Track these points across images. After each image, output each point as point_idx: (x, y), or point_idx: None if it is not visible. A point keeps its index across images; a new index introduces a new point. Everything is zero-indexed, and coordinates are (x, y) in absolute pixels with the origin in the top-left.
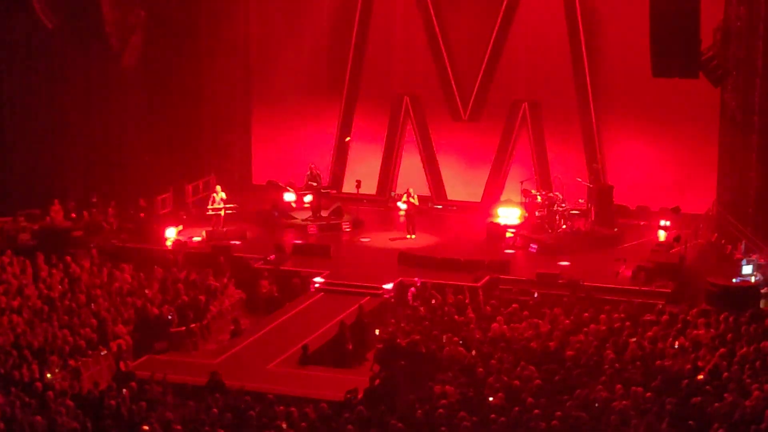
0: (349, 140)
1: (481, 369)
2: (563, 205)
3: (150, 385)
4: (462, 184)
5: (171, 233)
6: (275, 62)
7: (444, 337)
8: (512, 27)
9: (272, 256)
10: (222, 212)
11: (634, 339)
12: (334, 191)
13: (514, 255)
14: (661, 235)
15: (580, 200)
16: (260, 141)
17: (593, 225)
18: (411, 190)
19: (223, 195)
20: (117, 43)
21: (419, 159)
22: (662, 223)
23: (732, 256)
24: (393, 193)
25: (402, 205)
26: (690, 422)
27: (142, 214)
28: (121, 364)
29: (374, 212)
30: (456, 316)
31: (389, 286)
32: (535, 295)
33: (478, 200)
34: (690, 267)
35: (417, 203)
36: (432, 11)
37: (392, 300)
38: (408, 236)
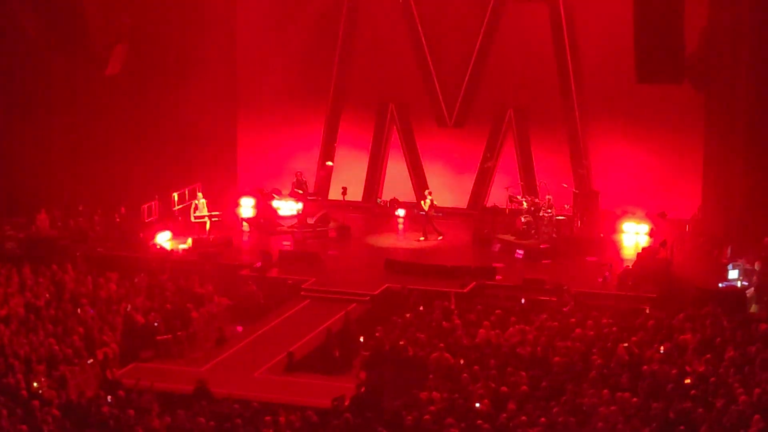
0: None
1: (467, 375)
2: (549, 210)
3: (137, 393)
4: (448, 191)
5: (163, 237)
6: (261, 70)
7: (430, 343)
8: (497, 33)
9: (258, 263)
10: (207, 220)
11: (626, 345)
12: (321, 198)
13: (501, 261)
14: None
15: (566, 206)
16: (246, 148)
17: (579, 230)
18: (426, 192)
19: (204, 201)
20: (101, 51)
21: (405, 165)
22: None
23: (718, 261)
24: (379, 200)
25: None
26: (677, 427)
27: (117, 219)
28: (108, 373)
29: (360, 218)
30: (443, 323)
31: None
32: (522, 301)
33: (464, 206)
34: (676, 272)
35: (426, 208)
36: (417, 17)
37: None
38: (420, 238)
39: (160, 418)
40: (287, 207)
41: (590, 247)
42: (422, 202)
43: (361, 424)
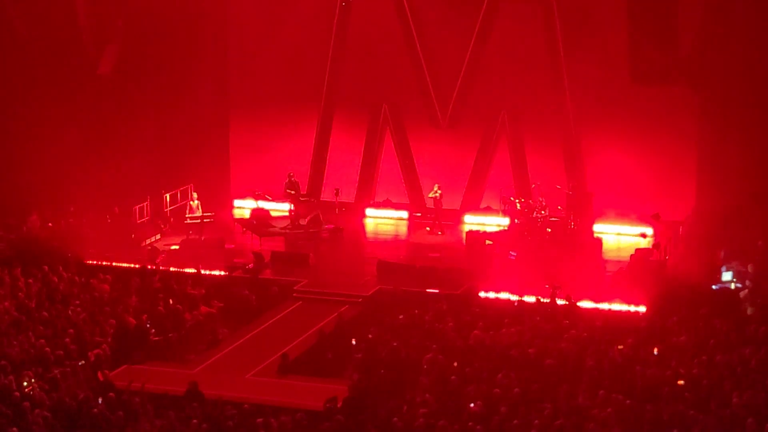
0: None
1: (459, 377)
2: (543, 212)
3: (128, 395)
4: (441, 192)
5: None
6: (253, 71)
7: (423, 345)
8: (491, 34)
9: (250, 265)
10: (200, 221)
11: (621, 347)
12: (313, 199)
13: (493, 262)
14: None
15: (559, 207)
16: (238, 149)
17: (572, 232)
18: (435, 187)
19: (198, 202)
20: (93, 51)
21: (398, 166)
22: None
23: (712, 263)
24: (372, 201)
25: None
26: (670, 429)
27: (108, 220)
28: (99, 374)
29: (353, 220)
30: (436, 324)
31: None
32: (515, 302)
33: (457, 208)
34: (670, 274)
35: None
36: (410, 18)
37: None
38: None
39: (152, 420)
40: (278, 208)
41: (583, 249)
42: (431, 193)
43: (353, 426)
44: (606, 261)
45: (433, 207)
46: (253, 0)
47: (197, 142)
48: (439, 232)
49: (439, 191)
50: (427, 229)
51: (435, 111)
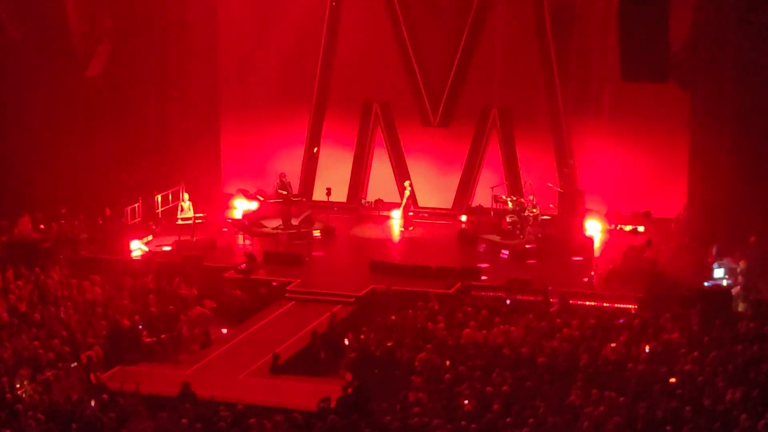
0: (317, 150)
1: (452, 376)
2: (534, 210)
3: (121, 396)
4: (433, 190)
5: (136, 245)
6: (244, 70)
7: (416, 344)
8: (482, 32)
9: (243, 265)
10: (192, 221)
11: (614, 345)
12: (305, 199)
13: (486, 261)
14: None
15: (550, 205)
16: (229, 150)
17: (564, 230)
18: (406, 183)
19: (189, 203)
20: (83, 52)
21: (389, 165)
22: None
23: (703, 260)
24: (363, 201)
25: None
26: (663, 427)
27: (100, 222)
28: (92, 376)
29: (345, 219)
30: (428, 324)
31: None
32: (507, 301)
33: (449, 206)
34: (662, 271)
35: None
36: (401, 16)
37: None
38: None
39: (145, 421)
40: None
41: (575, 247)
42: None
43: (347, 425)
44: (597, 259)
45: (404, 203)
46: (243, 0)
47: (188, 143)
48: (410, 227)
49: (410, 188)
50: (411, 228)
51: (426, 109)
